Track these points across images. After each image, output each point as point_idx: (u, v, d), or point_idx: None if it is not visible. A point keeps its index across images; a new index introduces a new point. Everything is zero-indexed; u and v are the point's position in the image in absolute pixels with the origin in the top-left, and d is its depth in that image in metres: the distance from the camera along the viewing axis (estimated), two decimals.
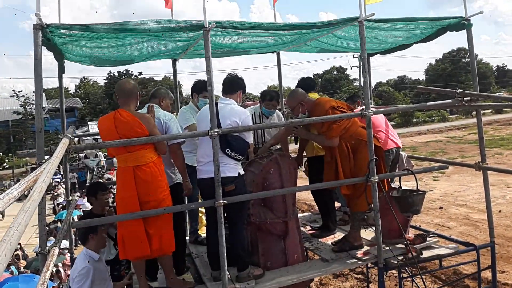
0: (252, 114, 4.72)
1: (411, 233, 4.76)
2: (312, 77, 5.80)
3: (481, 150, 4.62)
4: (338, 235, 4.93)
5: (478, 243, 5.59)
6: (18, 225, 1.40)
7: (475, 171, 4.69)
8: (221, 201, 3.55)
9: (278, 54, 6.20)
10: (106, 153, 31.24)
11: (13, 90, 38.90)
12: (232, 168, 3.78)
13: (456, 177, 16.17)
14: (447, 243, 4.79)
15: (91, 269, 3.67)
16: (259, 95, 5.69)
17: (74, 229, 4.41)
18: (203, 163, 3.86)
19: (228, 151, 3.71)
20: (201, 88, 4.78)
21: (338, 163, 4.28)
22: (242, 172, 3.89)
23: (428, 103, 5.62)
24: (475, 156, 18.48)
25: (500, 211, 10.96)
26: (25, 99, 38.10)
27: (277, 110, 5.27)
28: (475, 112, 4.78)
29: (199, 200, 4.86)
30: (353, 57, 40.17)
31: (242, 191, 3.82)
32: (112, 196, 11.37)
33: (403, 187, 4.39)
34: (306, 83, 5.06)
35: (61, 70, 4.41)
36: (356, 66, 40.34)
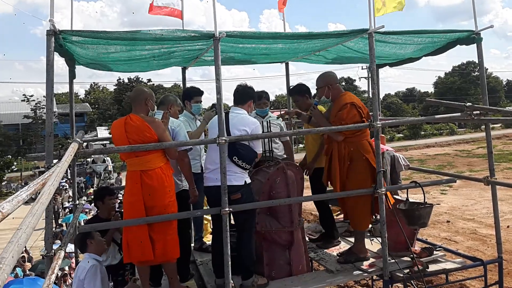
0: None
1: (417, 246, 4.72)
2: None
3: (490, 164, 4.58)
4: (344, 246, 4.90)
5: (486, 258, 5.52)
6: (26, 227, 1.41)
7: (483, 185, 4.64)
8: (227, 209, 3.56)
9: (286, 64, 6.23)
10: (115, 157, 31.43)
11: (23, 95, 39.29)
12: (239, 177, 3.79)
13: (464, 191, 16.02)
14: (454, 257, 4.74)
15: (98, 266, 3.72)
16: None
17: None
18: (210, 170, 3.88)
19: (235, 159, 3.73)
20: (191, 94, 4.84)
21: (334, 162, 4.28)
22: (248, 181, 3.89)
23: (437, 116, 5.58)
24: (483, 170, 18.32)
25: (508, 227, 10.81)
26: (35, 104, 38.48)
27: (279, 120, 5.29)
28: (484, 126, 4.75)
29: (204, 208, 4.87)
30: (362, 69, 40.28)
31: (248, 199, 3.82)
32: (119, 201, 11.42)
33: (410, 200, 4.36)
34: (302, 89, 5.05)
35: (72, 75, 4.47)
36: (365, 78, 40.34)
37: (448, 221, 12.25)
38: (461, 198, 15.10)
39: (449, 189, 16.36)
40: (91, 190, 21.17)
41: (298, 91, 5.03)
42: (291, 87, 5.34)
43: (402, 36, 4.33)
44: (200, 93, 4.91)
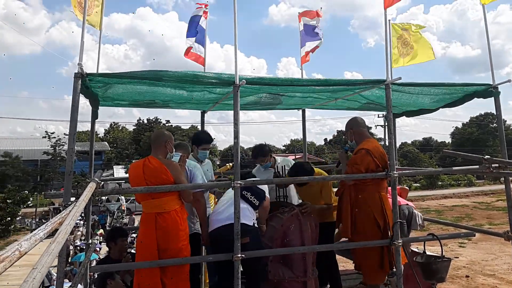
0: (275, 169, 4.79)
1: None
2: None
3: (510, 219, 4.46)
4: None
5: None
6: (41, 267, 1.42)
7: (504, 239, 4.50)
8: (239, 255, 3.51)
9: (303, 111, 6.31)
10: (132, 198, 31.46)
11: (45, 132, 40.39)
12: (247, 217, 3.80)
13: (483, 245, 15.48)
14: None
15: None
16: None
17: (91, 273, 4.40)
18: (215, 212, 4.00)
19: (244, 192, 3.81)
20: (200, 140, 4.84)
21: (346, 204, 4.23)
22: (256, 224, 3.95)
23: (454, 168, 5.51)
24: (503, 224, 17.76)
25: None
26: (56, 141, 39.38)
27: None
28: (503, 179, 4.67)
29: None
30: (378, 117, 40.19)
31: (256, 245, 3.78)
32: (130, 241, 11.33)
33: (428, 253, 4.25)
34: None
35: (95, 116, 4.60)
36: (381, 126, 40.32)
37: (467, 276, 11.76)
38: (480, 252, 14.58)
39: (468, 242, 15.83)
40: (101, 231, 21.06)
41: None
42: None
43: (419, 88, 4.38)
44: (209, 141, 4.93)
